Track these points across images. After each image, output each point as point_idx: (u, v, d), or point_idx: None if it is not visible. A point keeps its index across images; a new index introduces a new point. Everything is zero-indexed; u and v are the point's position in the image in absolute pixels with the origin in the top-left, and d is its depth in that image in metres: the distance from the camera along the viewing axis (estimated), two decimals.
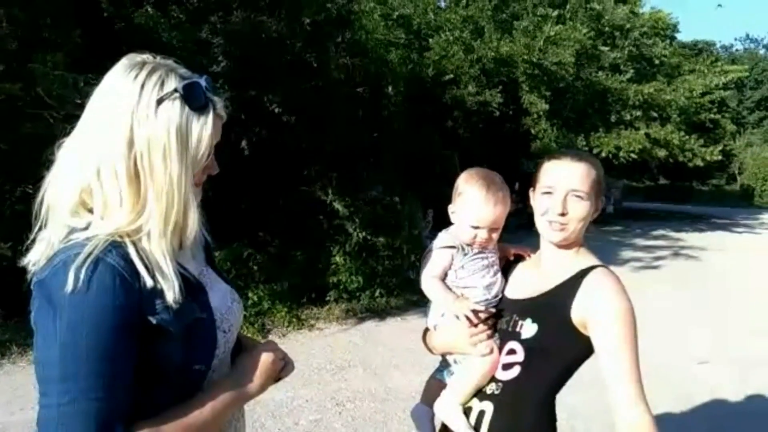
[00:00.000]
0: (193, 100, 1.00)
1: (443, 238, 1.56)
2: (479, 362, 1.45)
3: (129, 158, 0.97)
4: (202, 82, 1.03)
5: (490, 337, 1.47)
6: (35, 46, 5.11)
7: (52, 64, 4.93)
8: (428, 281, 1.52)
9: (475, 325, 1.45)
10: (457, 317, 1.46)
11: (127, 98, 0.97)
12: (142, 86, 0.98)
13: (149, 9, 5.95)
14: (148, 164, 0.97)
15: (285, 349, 1.27)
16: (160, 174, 0.98)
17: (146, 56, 1.03)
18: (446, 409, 1.49)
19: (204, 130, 1.02)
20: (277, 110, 6.46)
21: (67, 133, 1.03)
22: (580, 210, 1.41)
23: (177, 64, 1.06)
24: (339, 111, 7.05)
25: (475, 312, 1.44)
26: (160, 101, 0.98)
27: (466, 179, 1.56)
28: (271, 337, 5.70)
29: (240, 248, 6.58)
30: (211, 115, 1.03)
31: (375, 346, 5.66)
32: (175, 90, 0.99)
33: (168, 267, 1.00)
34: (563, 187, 1.41)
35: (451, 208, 1.58)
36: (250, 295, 6.24)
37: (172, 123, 0.98)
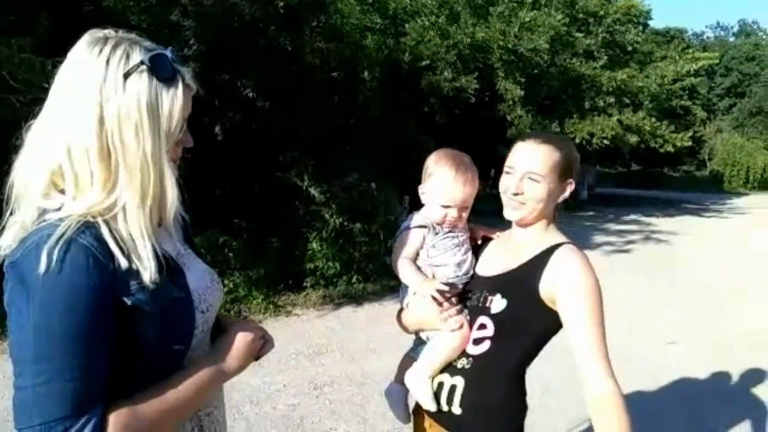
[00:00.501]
0: (161, 71, 0.98)
1: (415, 218, 1.59)
2: (449, 336, 1.48)
3: (100, 136, 0.95)
4: (168, 53, 1.01)
5: (459, 312, 1.50)
6: (1, 30, 4.96)
7: (18, 47, 4.79)
8: (399, 262, 1.56)
9: (441, 304, 1.47)
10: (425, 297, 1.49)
11: (92, 75, 0.95)
12: (108, 61, 0.95)
13: None
14: (119, 140, 0.95)
15: None
16: (133, 150, 0.96)
17: (108, 31, 1.00)
18: (415, 380, 1.52)
19: (174, 101, 1.00)
20: (251, 95, 6.39)
21: (34, 116, 1.01)
22: (535, 191, 1.45)
23: (140, 37, 1.03)
24: (314, 96, 7.00)
25: (441, 292, 1.47)
26: (126, 75, 0.95)
27: (435, 160, 1.59)
28: None
29: (215, 235, 6.53)
30: (180, 86, 1.01)
31: (352, 331, 5.68)
32: (141, 62, 0.97)
33: (145, 246, 0.99)
34: (521, 167, 1.46)
35: (421, 189, 1.61)
36: (225, 282, 6.19)
37: (142, 96, 0.96)
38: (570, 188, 1.50)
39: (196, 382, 1.07)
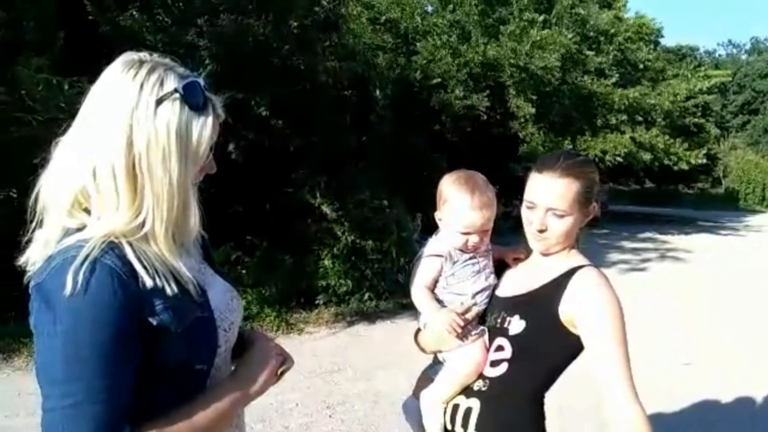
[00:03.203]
0: (193, 100, 0.99)
1: (432, 245, 1.55)
2: (465, 361, 1.45)
3: (128, 159, 0.95)
4: (200, 80, 1.02)
5: (479, 335, 1.47)
6: (18, 49, 5.05)
7: (35, 67, 4.88)
8: (416, 290, 1.52)
9: (459, 334, 1.44)
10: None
11: (125, 98, 0.96)
12: (141, 86, 0.96)
13: (134, 12, 5.91)
14: (146, 165, 0.96)
15: None
16: (159, 175, 0.96)
17: (143, 54, 1.01)
18: (428, 403, 1.50)
19: (204, 130, 1.00)
20: (264, 113, 6.44)
21: (59, 134, 1.01)
22: (559, 226, 1.42)
23: (174, 62, 1.04)
24: (327, 114, 7.05)
25: (458, 323, 1.43)
26: (159, 101, 0.96)
27: (449, 184, 1.53)
28: None
29: (228, 251, 6.54)
30: (210, 116, 1.02)
31: (365, 349, 5.64)
32: (175, 90, 0.97)
33: (169, 266, 0.99)
34: (543, 204, 1.42)
35: (437, 215, 1.56)
36: None
37: (172, 124, 0.96)
38: (594, 211, 1.47)
39: (223, 403, 1.06)
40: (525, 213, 1.48)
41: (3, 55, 4.95)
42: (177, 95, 0.97)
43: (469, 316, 1.46)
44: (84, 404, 0.88)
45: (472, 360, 1.44)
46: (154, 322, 0.96)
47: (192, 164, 1.00)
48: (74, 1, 5.72)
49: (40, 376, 0.91)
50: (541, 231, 1.43)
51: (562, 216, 1.41)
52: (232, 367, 1.20)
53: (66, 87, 4.55)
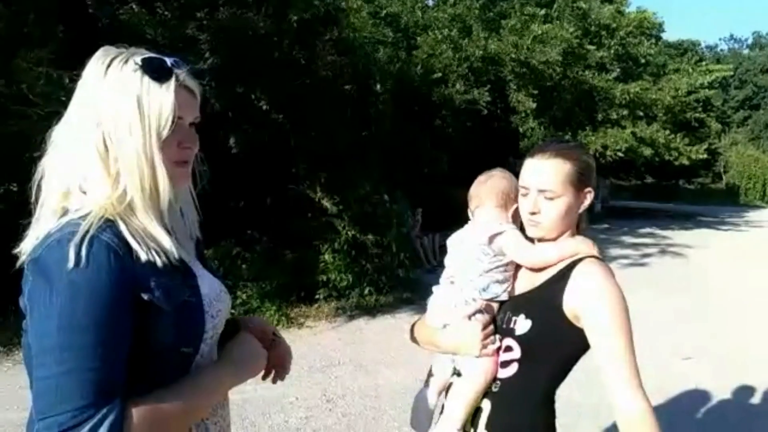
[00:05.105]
0: (152, 70, 1.04)
1: (504, 225, 1.53)
2: (476, 378, 1.43)
3: (100, 134, 1.01)
4: (167, 59, 1.07)
5: (497, 349, 1.45)
6: (19, 43, 5.04)
7: (35, 60, 4.87)
8: (529, 251, 1.49)
9: (482, 347, 1.43)
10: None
11: (93, 81, 1.03)
12: (108, 67, 1.03)
13: (134, 6, 5.90)
14: (116, 137, 1.02)
15: None
16: (128, 146, 1.02)
17: (119, 48, 1.08)
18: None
19: (164, 97, 1.04)
20: (265, 107, 6.44)
21: (53, 127, 1.07)
22: (551, 209, 1.41)
23: (150, 52, 1.10)
24: (327, 109, 7.04)
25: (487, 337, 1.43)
26: (122, 77, 1.02)
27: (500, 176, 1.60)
28: None
29: (228, 247, 6.55)
30: (172, 84, 1.05)
31: (364, 344, 5.66)
32: (135, 63, 1.03)
33: (159, 236, 1.04)
34: (534, 186, 1.42)
35: (502, 213, 1.56)
36: (238, 293, 6.21)
37: (132, 93, 1.02)
38: (589, 197, 1.45)
39: (211, 385, 1.10)
40: (520, 200, 1.48)
41: (3, 49, 4.94)
42: (137, 67, 1.03)
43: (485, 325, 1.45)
44: (78, 371, 0.91)
45: (484, 372, 1.43)
46: (146, 298, 0.99)
47: (155, 132, 1.04)
48: None
49: (35, 346, 0.94)
50: (533, 213, 1.42)
51: (552, 198, 1.40)
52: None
53: (66, 81, 4.54)
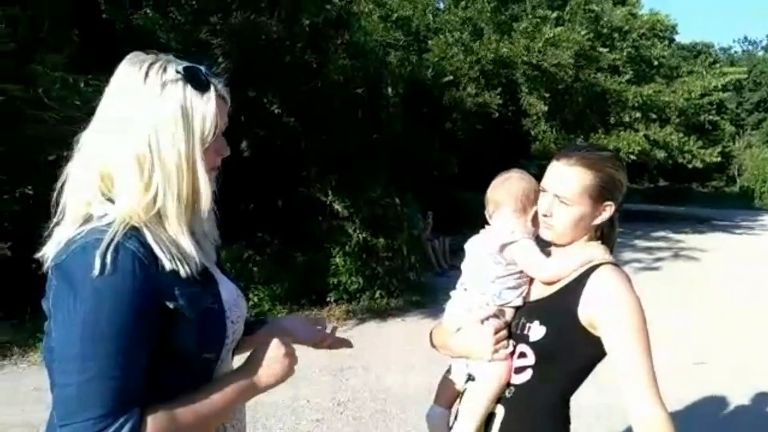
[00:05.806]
0: (195, 80, 1.05)
1: (517, 233, 1.48)
2: (487, 388, 1.42)
3: (139, 143, 1.01)
4: (202, 68, 1.09)
5: (507, 351, 1.44)
6: (35, 47, 5.11)
7: (51, 65, 4.93)
8: (544, 266, 1.45)
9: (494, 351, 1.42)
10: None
11: (133, 86, 1.02)
12: (147, 74, 1.02)
13: (148, 11, 5.96)
14: (156, 147, 1.01)
15: None
16: (168, 153, 1.02)
17: (148, 54, 1.08)
18: None
19: (207, 107, 1.05)
20: (276, 111, 6.47)
21: (78, 131, 1.07)
22: (563, 214, 1.40)
23: (176, 59, 1.10)
24: (338, 112, 7.06)
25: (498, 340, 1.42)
26: (164, 84, 1.02)
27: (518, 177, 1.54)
28: None
29: (240, 249, 6.58)
30: (213, 94, 1.06)
31: (375, 347, 5.65)
32: (177, 72, 1.04)
33: (186, 246, 1.04)
34: (551, 189, 1.41)
35: (519, 217, 1.51)
36: (250, 296, 6.23)
37: (177, 103, 1.02)
38: (609, 210, 1.42)
39: (230, 392, 1.10)
40: (539, 199, 1.47)
41: (19, 53, 5.01)
42: (179, 76, 1.04)
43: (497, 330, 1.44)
44: (99, 379, 0.92)
45: (497, 377, 1.42)
46: (171, 306, 1.00)
47: (199, 142, 1.05)
48: (89, 0, 5.78)
49: (58, 352, 0.95)
50: (546, 216, 1.42)
51: (567, 204, 1.39)
52: (233, 361, 1.24)
53: (82, 85, 4.59)
